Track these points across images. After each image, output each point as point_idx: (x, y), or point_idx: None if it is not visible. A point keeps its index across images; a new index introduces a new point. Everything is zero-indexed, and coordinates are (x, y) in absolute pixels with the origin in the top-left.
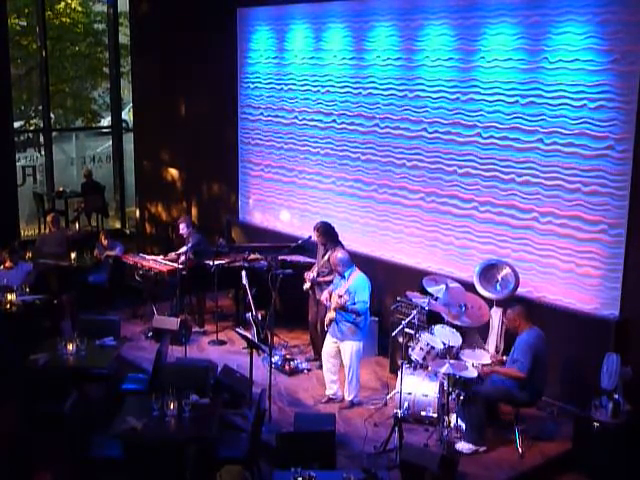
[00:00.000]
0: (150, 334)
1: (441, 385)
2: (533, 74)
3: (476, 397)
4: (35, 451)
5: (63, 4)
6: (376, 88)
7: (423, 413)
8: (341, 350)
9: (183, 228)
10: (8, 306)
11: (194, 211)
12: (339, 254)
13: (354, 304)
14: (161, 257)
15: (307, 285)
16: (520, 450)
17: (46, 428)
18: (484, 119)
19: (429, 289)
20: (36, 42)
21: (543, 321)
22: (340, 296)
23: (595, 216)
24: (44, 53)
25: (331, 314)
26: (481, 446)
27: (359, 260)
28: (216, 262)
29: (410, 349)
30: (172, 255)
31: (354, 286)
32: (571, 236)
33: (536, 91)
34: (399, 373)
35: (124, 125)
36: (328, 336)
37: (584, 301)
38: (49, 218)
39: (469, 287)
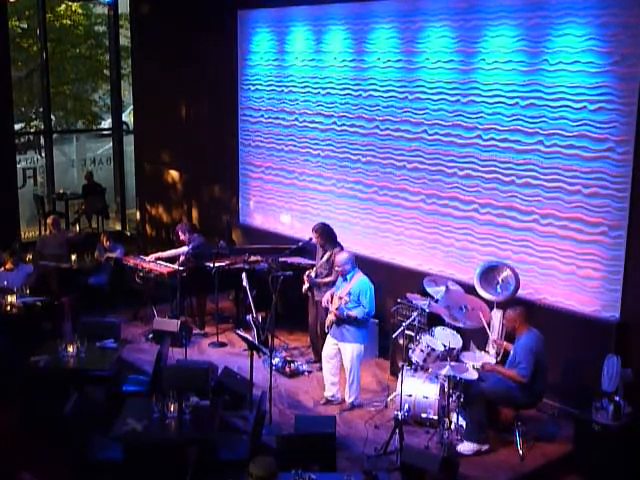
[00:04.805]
0: (150, 336)
1: (442, 387)
2: (533, 76)
3: (476, 396)
4: (35, 453)
5: (64, 6)
6: (376, 90)
7: (424, 415)
8: (342, 352)
9: (182, 235)
10: (8, 308)
11: (194, 213)
12: (343, 255)
13: (357, 306)
14: (160, 253)
15: (306, 286)
16: (521, 452)
17: (46, 430)
18: (484, 121)
19: (429, 290)
20: (37, 44)
21: (543, 323)
22: (340, 298)
23: (596, 218)
24: (45, 55)
25: (332, 316)
26: (483, 444)
27: (359, 262)
28: (216, 264)
29: (410, 351)
30: (171, 252)
31: (356, 289)
32: (572, 238)
33: (536, 93)
34: (400, 375)
35: (125, 127)
36: (328, 337)
37: (585, 303)
38: (49, 220)
39: (470, 289)
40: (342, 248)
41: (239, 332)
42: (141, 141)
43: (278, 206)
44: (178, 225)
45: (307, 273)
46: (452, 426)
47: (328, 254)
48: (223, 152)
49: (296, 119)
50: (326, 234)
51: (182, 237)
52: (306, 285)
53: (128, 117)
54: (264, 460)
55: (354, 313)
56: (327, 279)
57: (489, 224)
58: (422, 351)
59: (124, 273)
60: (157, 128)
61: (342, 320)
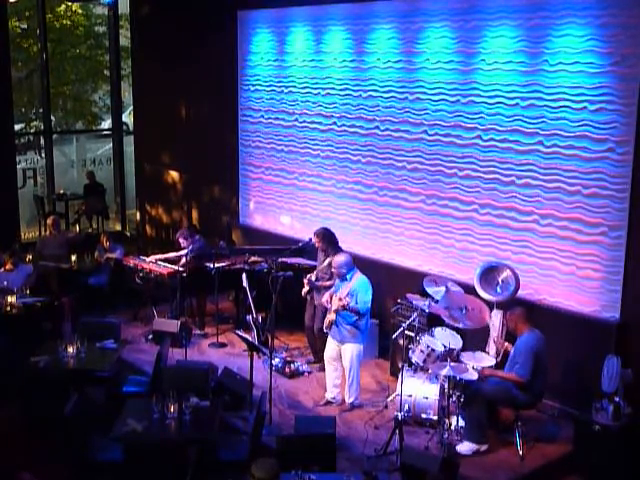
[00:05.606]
0: (150, 336)
1: (441, 387)
2: (533, 76)
3: (476, 396)
4: (35, 453)
5: (63, 7)
6: (376, 90)
7: (424, 415)
8: (341, 353)
9: (183, 242)
10: (9, 308)
11: (194, 214)
12: (341, 257)
13: (356, 304)
14: (160, 255)
15: (306, 289)
16: (521, 452)
17: (46, 430)
18: (484, 121)
19: (429, 290)
20: (37, 44)
21: (543, 323)
22: (341, 299)
23: (595, 218)
24: (45, 55)
25: (331, 316)
26: (482, 444)
27: (359, 262)
28: (216, 265)
29: (410, 351)
30: (171, 254)
31: (356, 288)
32: (571, 238)
33: (536, 93)
34: (399, 375)
35: (124, 128)
36: (329, 339)
37: (585, 303)
38: (49, 220)
39: (470, 289)
40: (344, 251)
41: (239, 332)
42: (141, 141)
43: (278, 206)
44: (178, 232)
45: (307, 276)
46: (452, 426)
47: (330, 259)
48: (223, 152)
49: (296, 119)
50: (328, 239)
51: (184, 244)
52: (306, 288)
53: (128, 117)
54: (266, 462)
55: (357, 307)
56: (327, 283)
57: (489, 224)
58: (422, 351)
59: (124, 273)
60: (157, 128)
61: (342, 319)
